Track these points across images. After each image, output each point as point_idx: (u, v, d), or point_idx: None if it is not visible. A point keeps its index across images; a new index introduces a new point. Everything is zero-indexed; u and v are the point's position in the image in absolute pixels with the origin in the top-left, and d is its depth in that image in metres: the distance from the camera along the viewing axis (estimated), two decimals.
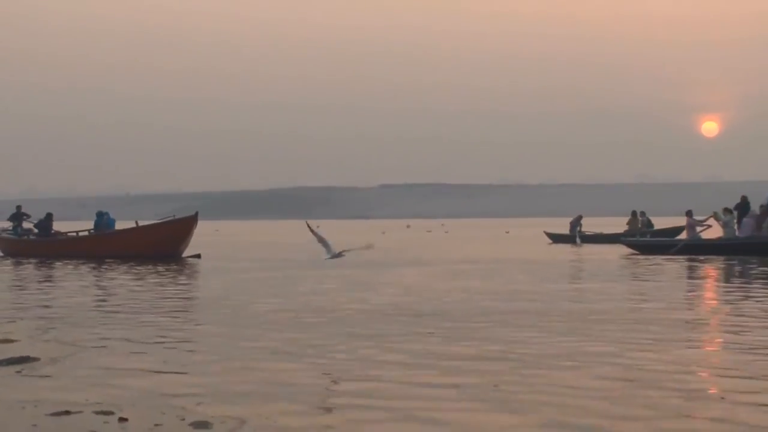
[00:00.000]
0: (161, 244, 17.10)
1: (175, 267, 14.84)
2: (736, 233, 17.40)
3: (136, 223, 18.66)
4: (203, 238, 40.01)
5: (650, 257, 16.91)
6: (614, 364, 5.04)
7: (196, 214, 17.77)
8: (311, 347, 5.73)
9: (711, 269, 14.05)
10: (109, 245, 17.82)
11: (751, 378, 4.62)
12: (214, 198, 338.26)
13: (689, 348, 5.71)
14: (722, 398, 4.14)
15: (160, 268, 14.35)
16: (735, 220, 17.56)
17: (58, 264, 15.91)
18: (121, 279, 12.38)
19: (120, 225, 19.23)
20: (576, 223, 27.31)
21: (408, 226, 63.23)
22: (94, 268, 14.69)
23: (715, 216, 18.09)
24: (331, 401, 4.22)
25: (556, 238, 27.79)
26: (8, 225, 20.59)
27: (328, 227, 36.84)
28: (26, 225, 20.14)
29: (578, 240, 26.10)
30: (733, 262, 15.12)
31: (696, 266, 14.54)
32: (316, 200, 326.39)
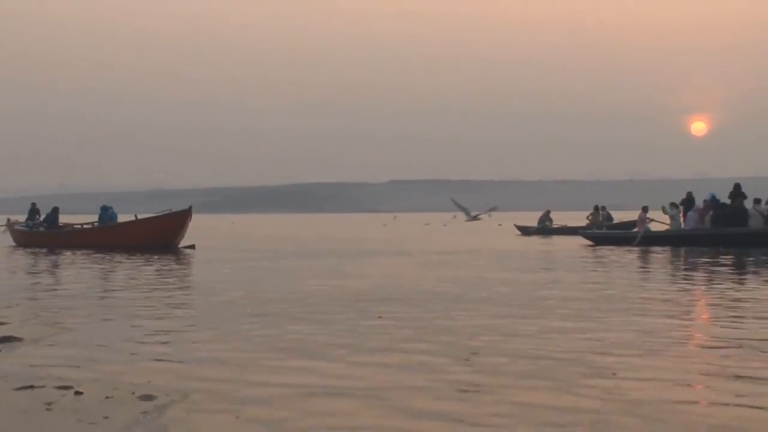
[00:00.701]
0: (159, 236, 17.38)
1: (167, 257, 14.93)
2: (682, 225, 17.95)
3: (135, 216, 18.93)
4: (216, 230, 40.27)
5: (603, 248, 17.21)
6: (529, 342, 5.18)
7: (190, 208, 18.06)
8: (255, 327, 5.95)
9: (652, 258, 14.21)
10: (111, 237, 18.18)
11: (643, 356, 4.72)
12: (235, 193, 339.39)
13: (605, 330, 5.75)
14: (614, 374, 4.26)
15: (154, 257, 14.50)
16: (681, 214, 18.04)
17: (64, 254, 16.07)
18: (116, 267, 12.52)
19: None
20: (545, 217, 27.91)
21: (394, 217, 62.20)
22: (93, 258, 14.85)
23: (663, 210, 18.87)
24: (254, 373, 4.36)
25: (525, 231, 28.07)
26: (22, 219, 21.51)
27: (340, 220, 36.87)
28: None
29: (542, 231, 26.47)
30: (678, 251, 15.36)
31: (639, 256, 14.69)
32: (329, 195, 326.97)
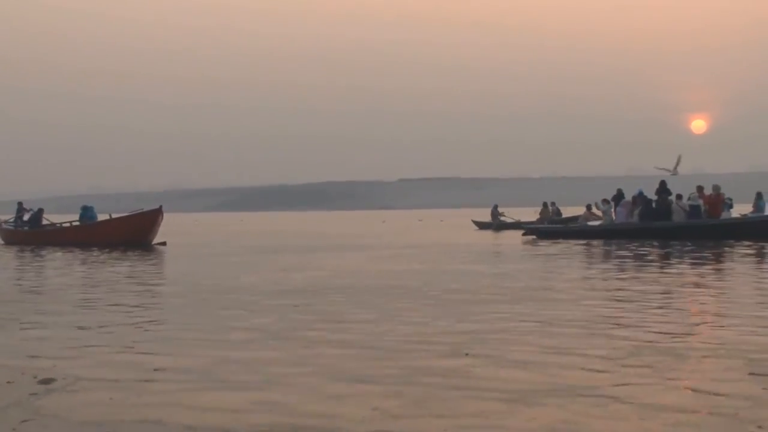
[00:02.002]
0: (132, 234, 17.68)
1: (134, 252, 15.12)
2: (613, 220, 18.18)
3: (110, 215, 19.31)
4: (218, 228, 40.46)
5: (545, 241, 17.57)
6: (402, 328, 5.32)
7: (160, 207, 18.36)
8: (172, 315, 6.13)
9: (585, 250, 14.34)
10: (88, 234, 18.51)
11: (500, 340, 4.79)
12: (253, 192, 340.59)
13: (503, 318, 5.79)
14: (466, 354, 4.35)
15: (115, 254, 14.68)
16: (612, 209, 18.29)
17: (43, 251, 16.31)
18: (83, 263, 12.68)
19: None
20: (495, 212, 28.19)
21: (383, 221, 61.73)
22: (69, 254, 15.03)
23: (596, 206, 19.48)
24: (144, 360, 4.42)
25: (482, 225, 28.39)
26: (11, 218, 21.47)
27: (352, 217, 36.78)
28: (26, 217, 20.86)
29: (495, 226, 26.80)
30: (610, 244, 15.63)
31: (574, 248, 14.84)
32: (342, 193, 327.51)
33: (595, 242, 16.54)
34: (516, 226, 26.39)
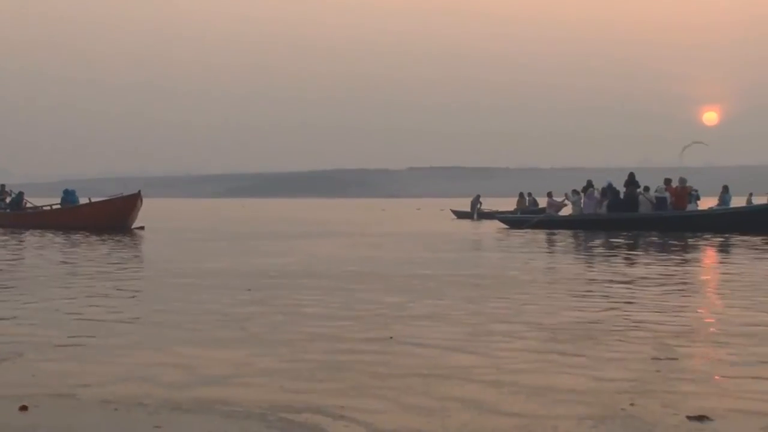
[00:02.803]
0: (112, 218, 17.96)
1: (111, 236, 15.38)
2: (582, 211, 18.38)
3: (89, 199, 19.43)
4: (223, 213, 41.12)
5: (516, 230, 17.79)
6: (333, 311, 5.45)
7: (139, 192, 18.65)
8: (124, 295, 6.35)
9: (552, 240, 14.60)
10: (68, 218, 18.76)
11: (431, 325, 4.98)
12: (263, 178, 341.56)
13: (441, 303, 5.99)
14: (390, 337, 4.52)
15: (92, 238, 14.97)
16: (582, 200, 18.48)
17: (23, 233, 16.53)
18: (58, 245, 12.91)
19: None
20: (475, 202, 28.51)
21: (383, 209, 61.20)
22: (44, 237, 15.28)
23: (566, 197, 19.82)
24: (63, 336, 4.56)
25: (460, 215, 28.65)
26: None
27: (355, 205, 36.70)
28: (8, 200, 21.11)
29: (475, 216, 26.86)
30: (580, 234, 15.94)
31: (543, 238, 15.16)
32: (352, 181, 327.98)
33: (564, 232, 16.75)
34: (492, 216, 26.40)
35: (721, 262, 9.90)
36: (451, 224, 23.34)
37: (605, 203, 17.74)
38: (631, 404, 3.12)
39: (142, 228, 18.22)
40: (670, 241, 13.47)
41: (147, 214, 27.84)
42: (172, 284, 7.37)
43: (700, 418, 2.92)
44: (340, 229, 19.85)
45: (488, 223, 23.32)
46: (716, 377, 3.60)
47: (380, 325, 4.99)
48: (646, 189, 17.57)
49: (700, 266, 9.31)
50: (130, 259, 10.59)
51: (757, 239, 13.79)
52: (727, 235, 14.66)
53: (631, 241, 13.72)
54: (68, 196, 20.00)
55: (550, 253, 11.75)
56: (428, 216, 32.48)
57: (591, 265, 9.41)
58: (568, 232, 16.70)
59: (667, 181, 17.55)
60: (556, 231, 17.27)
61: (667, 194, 17.12)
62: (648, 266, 9.07)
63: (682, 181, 17.43)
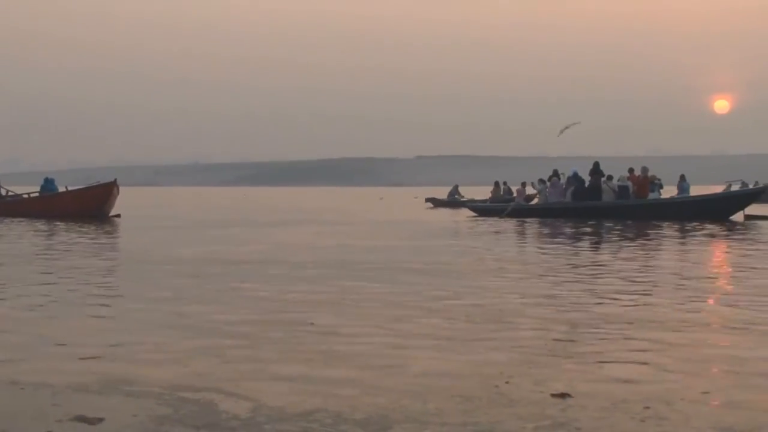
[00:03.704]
0: (88, 206, 18.08)
1: (86, 223, 15.50)
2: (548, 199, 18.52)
3: (66, 188, 19.67)
4: (225, 201, 41.44)
5: (485, 219, 17.99)
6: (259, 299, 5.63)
7: (115, 180, 18.76)
8: (82, 281, 6.38)
9: (514, 228, 14.77)
10: (45, 206, 18.87)
11: (345, 313, 5.17)
12: (271, 167, 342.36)
13: (378, 290, 6.18)
14: (311, 323, 4.68)
15: (70, 224, 15.13)
16: (548, 189, 18.67)
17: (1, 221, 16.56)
18: (32, 232, 13.10)
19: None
20: (454, 191, 28.81)
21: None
22: (18, 225, 15.33)
23: (532, 185, 20.25)
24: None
25: (436, 203, 28.70)
26: None
27: (357, 194, 36.37)
28: None
29: (454, 205, 26.61)
30: (545, 222, 16.18)
31: (507, 226, 15.27)
32: (359, 169, 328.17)
33: (530, 220, 17.04)
34: (468, 204, 26.63)
35: (659, 250, 10.05)
36: (426, 213, 23.65)
37: (570, 192, 18.06)
38: (506, 382, 3.31)
39: (118, 216, 18.47)
40: (626, 229, 13.75)
41: (140, 203, 28.33)
42: (122, 269, 7.62)
43: (563, 396, 3.10)
44: (326, 218, 20.02)
45: (465, 211, 23.05)
46: (598, 360, 3.77)
47: (307, 311, 5.16)
48: (610, 178, 17.94)
49: (639, 254, 9.44)
50: (90, 244, 10.80)
51: (714, 227, 14.11)
52: (685, 223, 14.96)
53: (588, 229, 13.99)
54: (48, 184, 20.14)
55: (502, 240, 11.97)
56: (417, 204, 32.69)
57: (539, 252, 9.65)
58: (534, 221, 16.96)
59: (631, 171, 17.96)
60: (522, 219, 17.52)
61: (629, 183, 17.52)
62: (593, 253, 9.32)
63: (644, 170, 17.81)
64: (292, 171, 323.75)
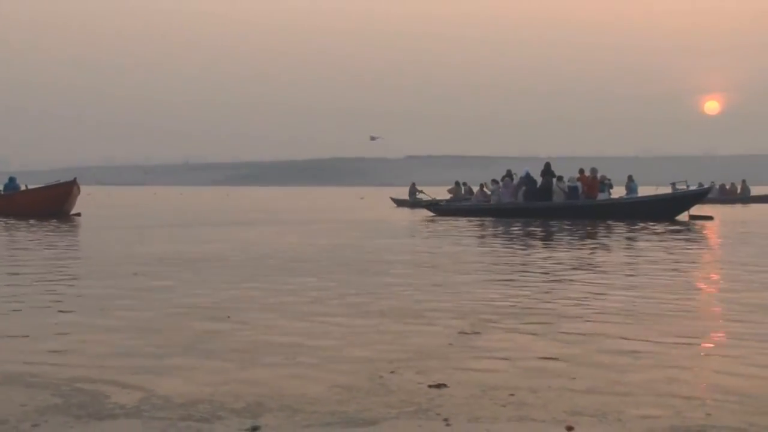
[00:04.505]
0: (47, 204, 18.27)
1: (47, 222, 15.65)
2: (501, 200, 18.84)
3: (25, 186, 19.88)
4: (202, 201, 39.09)
5: (443, 218, 18.42)
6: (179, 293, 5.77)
7: (75, 179, 18.91)
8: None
9: (465, 227, 15.02)
10: (5, 204, 18.94)
11: (266, 307, 5.32)
12: (262, 167, 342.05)
13: (304, 286, 6.32)
14: (228, 317, 4.83)
15: (30, 223, 15.38)
16: (500, 189, 19.09)
17: None
18: None
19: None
20: (413, 190, 29.03)
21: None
22: None
23: (486, 186, 20.74)
24: None
25: (399, 203, 29.06)
26: None
27: (356, 193, 35.91)
28: None
29: (414, 204, 27.01)
30: (499, 221, 16.43)
31: (461, 225, 15.52)
32: (350, 169, 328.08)
33: (486, 220, 17.28)
34: (424, 203, 26.31)
35: (590, 248, 10.27)
36: (388, 212, 23.94)
37: (521, 192, 18.43)
38: (392, 372, 3.45)
39: (78, 215, 18.60)
40: (570, 229, 14.11)
41: (117, 203, 28.40)
42: (62, 266, 7.70)
43: (439, 386, 3.23)
44: (297, 217, 20.18)
45: (425, 211, 23.34)
46: (489, 352, 3.92)
47: (231, 306, 5.30)
48: (560, 178, 18.46)
49: (571, 252, 9.66)
50: (39, 240, 10.87)
51: (658, 226, 14.52)
52: (632, 223, 15.35)
53: (533, 229, 14.29)
54: (11, 183, 20.11)
55: (445, 238, 12.19)
56: (387, 204, 32.75)
57: (477, 250, 9.90)
58: (488, 220, 17.28)
59: (581, 171, 18.50)
60: (476, 219, 17.81)
61: (579, 184, 18.01)
62: (526, 252, 9.61)
63: (593, 171, 18.32)
64: (282, 171, 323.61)
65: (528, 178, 18.61)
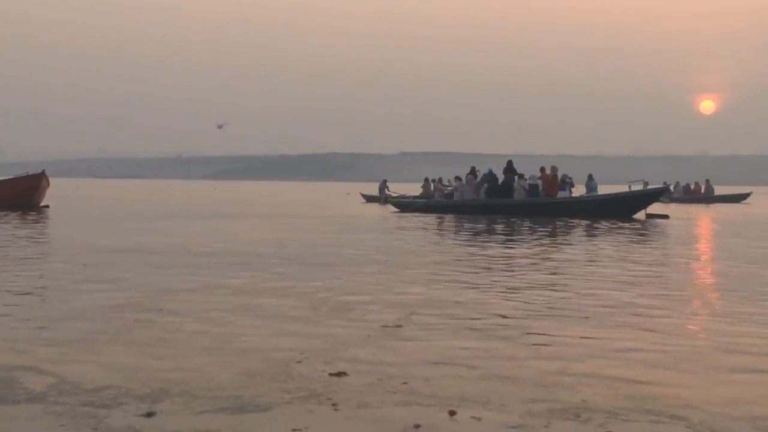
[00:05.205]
0: (15, 196, 18.38)
1: (7, 213, 15.80)
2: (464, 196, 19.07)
3: None
4: (187, 194, 38.57)
5: (404, 214, 18.67)
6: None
7: (43, 171, 19.08)
8: None
9: (427, 223, 15.34)
10: None
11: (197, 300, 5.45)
12: (255, 161, 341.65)
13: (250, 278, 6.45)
14: (161, 309, 4.96)
15: None
16: (463, 186, 19.37)
17: None
18: None
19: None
20: (383, 186, 29.39)
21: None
22: None
23: (448, 182, 21.20)
24: None
25: (369, 198, 29.25)
26: None
27: (348, 188, 35.82)
28: None
29: (383, 200, 27.29)
30: (460, 218, 16.69)
31: (425, 221, 15.85)
32: (344, 165, 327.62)
33: (448, 217, 17.52)
34: (389, 199, 26.18)
35: (544, 246, 10.53)
36: (358, 208, 24.12)
37: (483, 189, 18.67)
38: (298, 362, 3.55)
39: (47, 206, 18.72)
40: (530, 226, 14.40)
41: (99, 195, 28.38)
42: (14, 256, 7.77)
43: (339, 374, 3.36)
44: (273, 212, 20.27)
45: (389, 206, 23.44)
46: (401, 343, 4.07)
47: (166, 298, 5.41)
48: (521, 176, 18.92)
49: (521, 248, 9.88)
50: (15, 234, 10.86)
51: (614, 224, 14.92)
52: (590, 221, 15.75)
53: (492, 226, 14.52)
54: None
55: (403, 235, 12.43)
56: (348, 200, 32.94)
57: (432, 245, 10.12)
58: (451, 216, 17.51)
59: (542, 170, 18.96)
60: (440, 215, 18.03)
61: (539, 182, 18.45)
62: (477, 248, 9.78)
63: (554, 169, 18.79)
64: (276, 165, 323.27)
65: (490, 176, 18.95)
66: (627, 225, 15.03)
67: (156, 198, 33.82)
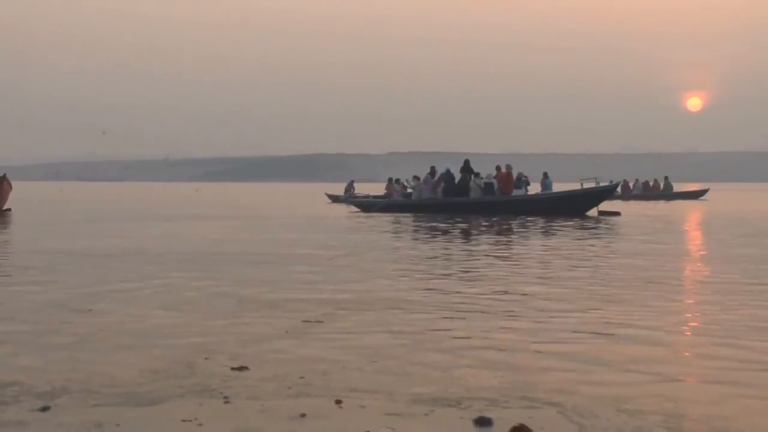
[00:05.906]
0: None
1: None
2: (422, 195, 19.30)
3: None
4: (166, 196, 38.85)
5: (365, 213, 18.94)
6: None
7: (4, 175, 18.90)
8: None
9: (383, 222, 15.48)
10: None
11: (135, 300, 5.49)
12: (243, 162, 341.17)
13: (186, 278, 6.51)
14: (89, 309, 5.03)
15: None
16: (421, 186, 19.60)
17: None
18: None
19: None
20: (349, 186, 29.60)
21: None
22: None
23: (407, 182, 21.59)
24: None
25: (334, 199, 29.43)
26: None
27: (332, 189, 36.04)
28: None
29: (345, 200, 27.27)
30: (417, 217, 17.01)
31: (383, 220, 16.02)
32: (331, 165, 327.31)
33: (405, 216, 17.77)
34: (349, 200, 26.29)
35: (480, 242, 10.79)
36: (323, 208, 24.38)
37: (440, 188, 18.93)
38: (206, 358, 3.63)
39: (8, 210, 18.68)
40: (482, 225, 14.69)
41: (74, 198, 28.31)
42: None
43: (240, 369, 3.45)
44: (245, 213, 20.40)
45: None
46: (314, 339, 4.17)
47: (99, 299, 5.47)
48: (477, 175, 19.28)
49: (464, 246, 10.09)
50: None
51: (565, 221, 15.30)
52: (543, 218, 16.11)
53: (444, 224, 14.73)
54: None
55: (355, 233, 12.63)
56: (314, 199, 32.97)
57: (384, 243, 10.28)
58: (408, 215, 17.77)
59: (498, 168, 19.40)
60: (398, 214, 18.25)
61: (494, 180, 18.87)
62: (423, 246, 9.97)
63: (509, 167, 19.22)
64: (263, 166, 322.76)
65: (447, 175, 19.15)
66: (574, 222, 15.39)
67: (133, 200, 34.02)
